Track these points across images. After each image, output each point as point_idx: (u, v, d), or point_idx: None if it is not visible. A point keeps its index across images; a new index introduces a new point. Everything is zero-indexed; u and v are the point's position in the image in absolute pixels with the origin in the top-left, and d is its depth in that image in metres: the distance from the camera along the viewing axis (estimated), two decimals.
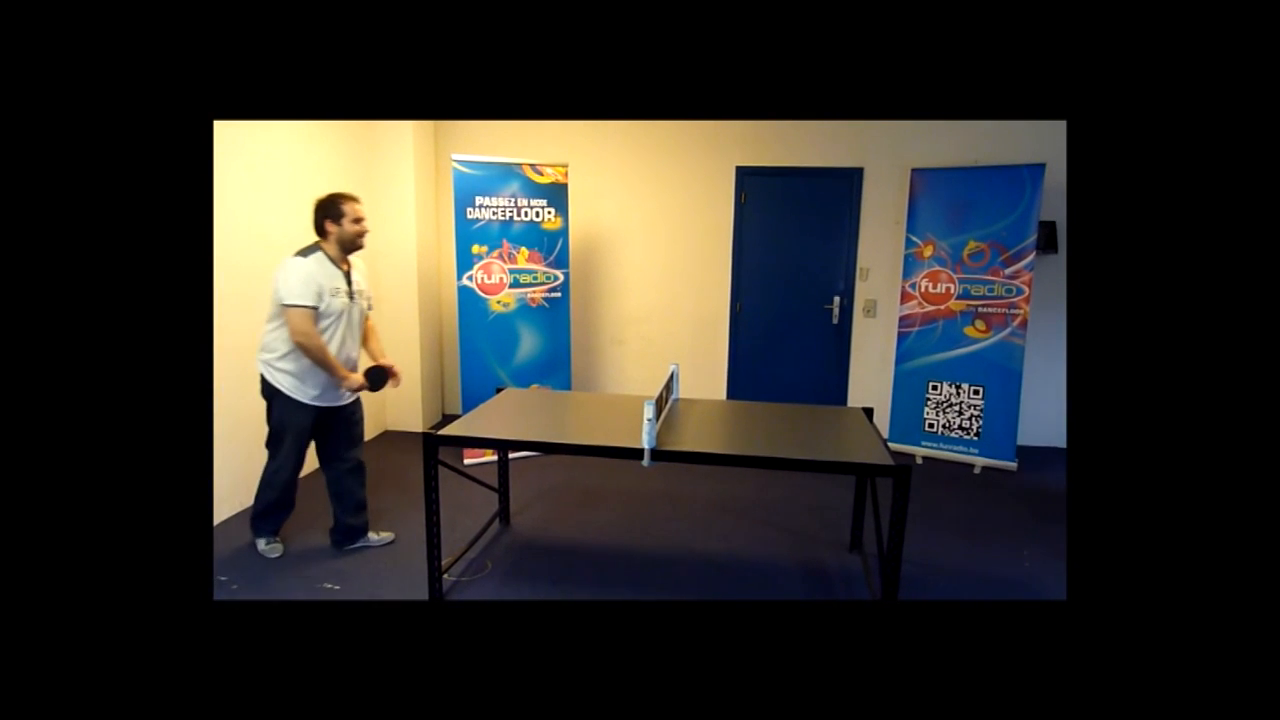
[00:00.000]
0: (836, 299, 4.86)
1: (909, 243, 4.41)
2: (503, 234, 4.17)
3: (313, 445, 2.96)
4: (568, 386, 4.51)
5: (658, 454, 2.33)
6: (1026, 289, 4.06)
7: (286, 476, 2.86)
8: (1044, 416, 4.72)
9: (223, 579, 2.78)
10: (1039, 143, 4.37)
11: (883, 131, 4.63)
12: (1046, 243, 4.38)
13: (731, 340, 5.00)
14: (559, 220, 4.29)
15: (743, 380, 5.06)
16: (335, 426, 2.92)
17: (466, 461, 4.25)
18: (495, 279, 4.19)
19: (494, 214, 4.13)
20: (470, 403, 4.07)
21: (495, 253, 4.16)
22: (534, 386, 4.26)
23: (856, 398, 4.93)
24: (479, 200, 4.09)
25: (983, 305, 4.21)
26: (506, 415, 2.86)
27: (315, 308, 2.64)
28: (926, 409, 4.46)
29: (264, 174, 3.52)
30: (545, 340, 4.38)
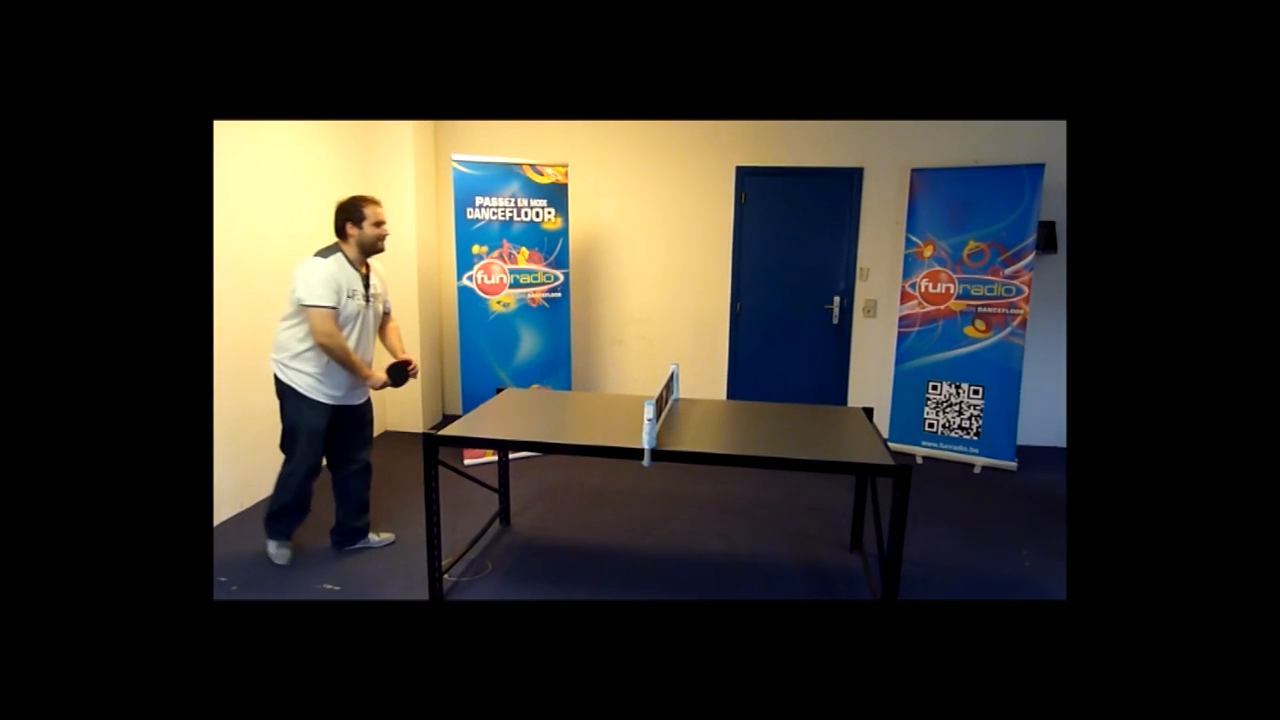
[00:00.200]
0: (836, 299, 4.86)
1: (909, 243, 4.41)
2: (503, 234, 4.17)
3: None
4: (568, 387, 4.51)
5: (658, 454, 2.33)
6: (1026, 289, 4.06)
7: (301, 478, 2.82)
8: (1044, 416, 4.72)
9: (223, 579, 2.78)
10: (1039, 143, 4.37)
11: (883, 131, 4.63)
12: (1046, 243, 4.38)
13: (732, 340, 5.00)
14: (559, 220, 4.29)
15: (743, 380, 5.06)
16: (348, 427, 2.91)
17: (467, 462, 4.25)
18: (495, 279, 4.19)
19: (494, 214, 4.13)
20: (470, 403, 4.07)
21: (495, 253, 4.16)
22: (534, 387, 4.26)
23: (856, 397, 4.93)
24: (479, 200, 4.09)
25: (983, 305, 4.21)
26: (507, 415, 2.86)
27: (335, 308, 2.64)
28: (926, 409, 4.46)
29: (264, 174, 3.52)
30: (545, 340, 4.38)
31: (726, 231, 4.88)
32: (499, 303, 4.22)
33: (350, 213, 2.71)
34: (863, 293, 4.83)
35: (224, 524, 3.31)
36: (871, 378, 4.90)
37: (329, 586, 2.76)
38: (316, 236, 3.88)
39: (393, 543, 3.15)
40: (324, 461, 2.92)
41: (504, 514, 3.41)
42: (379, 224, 2.74)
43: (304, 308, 2.62)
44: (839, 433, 2.64)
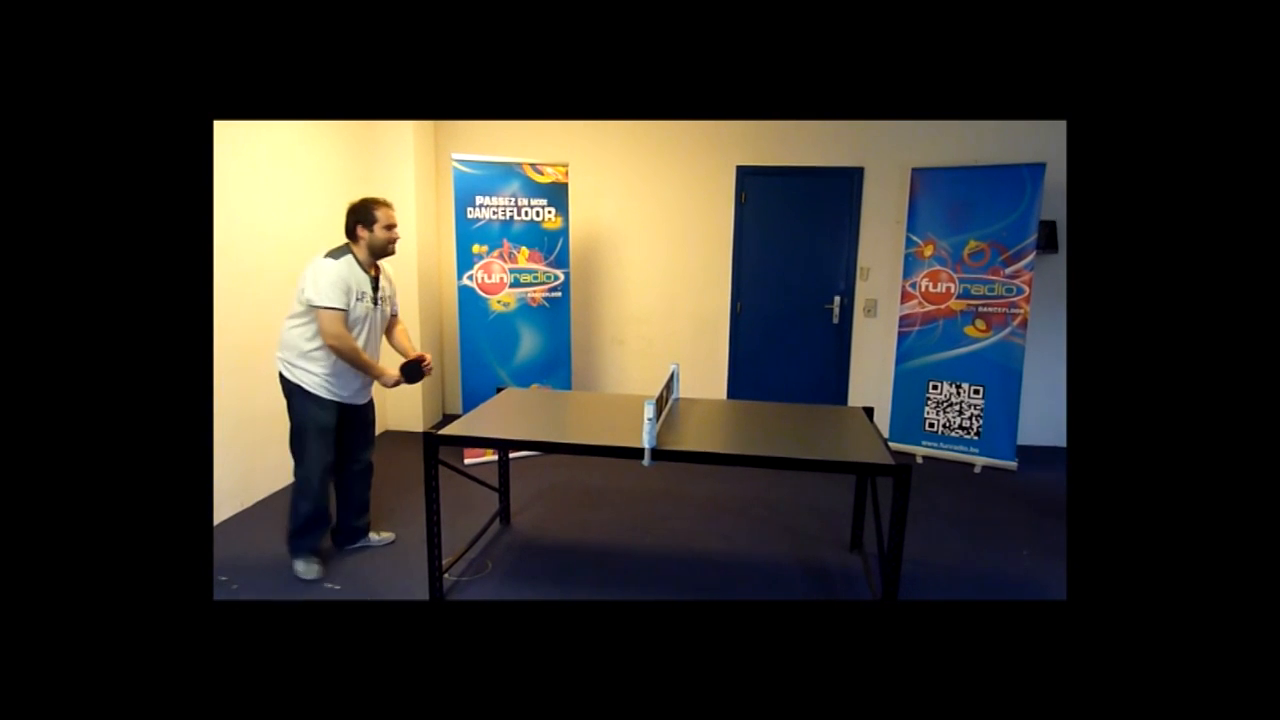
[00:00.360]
0: (837, 298, 4.86)
1: (909, 242, 4.41)
2: (503, 233, 4.17)
3: None
4: (568, 386, 4.51)
5: (658, 454, 2.33)
6: (1027, 288, 4.06)
7: (318, 482, 2.77)
8: (1044, 416, 4.72)
9: (223, 579, 2.78)
10: (1039, 142, 4.37)
11: (883, 131, 4.62)
12: (1047, 242, 4.38)
13: (732, 340, 5.00)
14: (559, 220, 4.29)
15: (743, 380, 5.05)
16: (353, 426, 2.90)
17: (467, 461, 4.25)
18: (495, 278, 4.19)
19: (494, 213, 4.13)
20: (470, 402, 4.07)
21: (495, 252, 4.16)
22: (534, 386, 4.26)
23: (857, 397, 4.93)
24: (479, 200, 4.09)
25: (983, 305, 4.21)
26: (507, 415, 2.86)
27: (345, 310, 2.63)
28: (927, 408, 4.46)
29: (264, 174, 3.52)
30: (545, 340, 4.38)
31: (727, 231, 4.88)
32: (499, 302, 4.22)
33: (361, 215, 2.69)
34: (863, 292, 4.83)
35: (224, 523, 3.31)
36: (872, 377, 4.90)
37: (330, 586, 2.77)
38: (317, 236, 3.90)
39: (393, 542, 3.15)
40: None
41: (504, 513, 3.41)
42: (390, 227, 2.72)
43: (314, 309, 2.61)
44: (839, 432, 2.64)
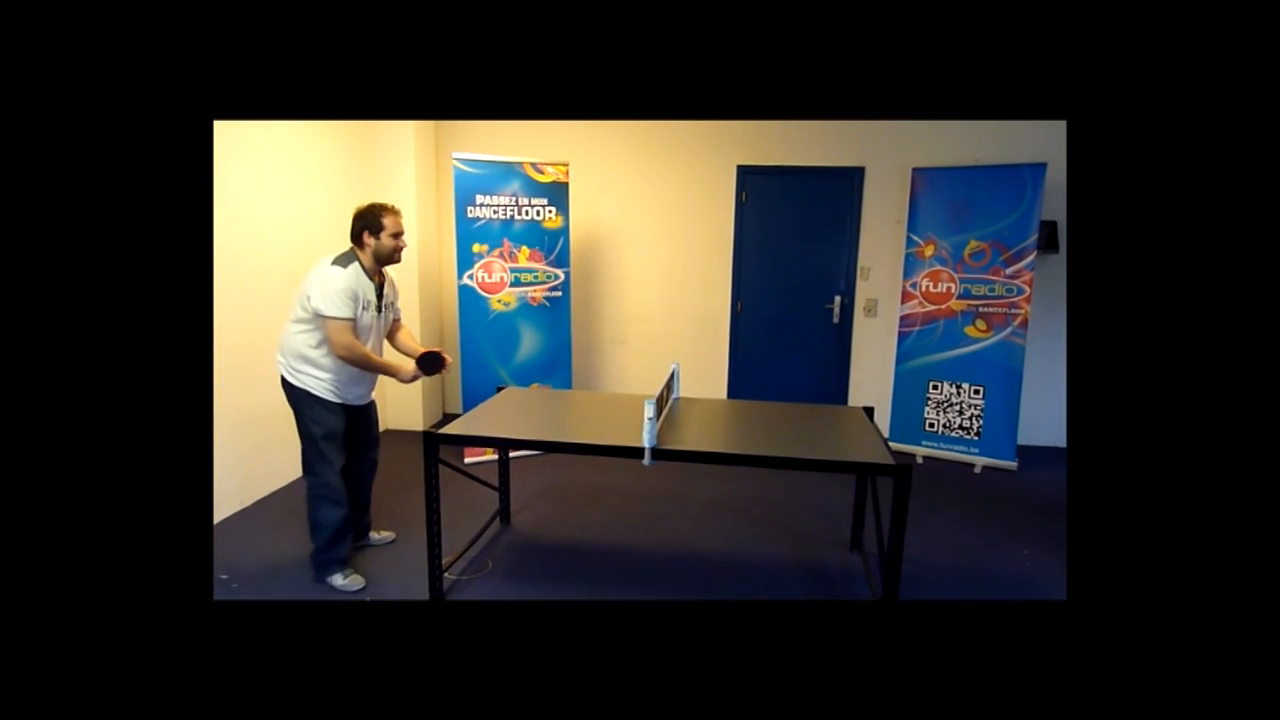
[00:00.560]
0: (837, 298, 4.85)
1: (910, 242, 4.41)
2: (503, 233, 4.17)
3: None
4: (568, 385, 4.51)
5: (658, 453, 2.33)
6: (1027, 289, 4.06)
7: (339, 485, 2.71)
8: (1044, 416, 4.72)
9: (223, 578, 2.78)
10: (1040, 142, 4.37)
11: (884, 131, 4.62)
12: (1047, 242, 4.38)
13: (732, 339, 5.00)
14: (560, 219, 4.29)
15: (743, 379, 5.05)
16: (358, 427, 2.87)
17: (467, 460, 4.25)
18: (496, 278, 4.19)
19: (495, 213, 4.13)
20: (471, 402, 4.07)
21: (496, 251, 4.16)
22: (534, 385, 4.26)
23: (857, 397, 4.93)
24: (479, 199, 4.09)
25: (983, 305, 4.20)
26: (507, 414, 2.86)
27: (354, 320, 2.59)
28: (927, 408, 4.46)
29: (264, 174, 3.52)
30: (546, 339, 4.38)
31: (727, 230, 4.87)
32: (499, 301, 4.22)
33: (369, 221, 2.63)
34: (863, 292, 4.83)
35: (224, 523, 3.31)
36: (872, 377, 4.90)
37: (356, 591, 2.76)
38: (317, 236, 3.90)
39: (393, 541, 3.15)
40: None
41: (504, 513, 3.41)
42: (397, 235, 2.67)
43: (322, 318, 2.55)
44: (839, 432, 2.64)
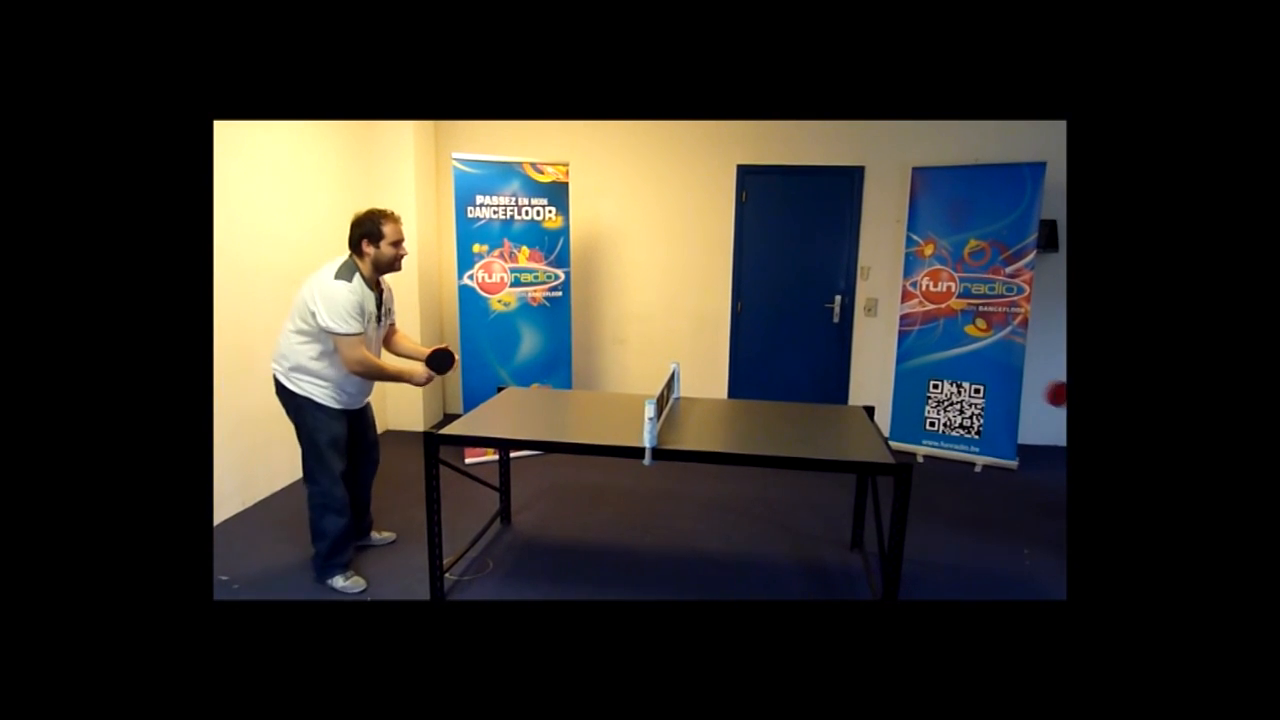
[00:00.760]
0: (837, 298, 4.85)
1: (910, 241, 4.41)
2: (503, 233, 4.17)
3: None
4: (569, 385, 4.51)
5: (659, 453, 2.34)
6: (1027, 288, 4.06)
7: (341, 493, 2.68)
8: (1044, 415, 4.71)
9: (223, 578, 2.78)
10: (1040, 141, 4.37)
11: (884, 130, 4.62)
12: (1047, 241, 4.38)
13: (732, 339, 5.00)
14: (560, 219, 4.29)
15: (744, 379, 5.05)
16: (356, 430, 2.86)
17: (467, 461, 4.25)
18: (496, 278, 4.19)
19: (495, 213, 4.13)
20: (471, 402, 4.07)
21: (496, 252, 4.16)
22: (535, 385, 4.26)
23: (857, 396, 4.93)
24: (479, 199, 4.09)
25: (983, 304, 4.20)
26: (507, 414, 2.86)
27: (364, 333, 2.56)
28: (927, 408, 4.46)
29: (264, 174, 3.52)
30: (546, 339, 4.39)
31: (727, 230, 4.87)
32: (500, 301, 4.22)
33: (368, 228, 2.54)
34: (863, 291, 4.83)
35: (224, 524, 3.32)
36: (872, 376, 4.90)
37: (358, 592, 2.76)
38: (316, 236, 3.91)
39: (394, 541, 3.15)
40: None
41: (505, 513, 3.41)
42: (398, 243, 2.60)
43: (332, 335, 2.51)
44: (840, 431, 2.64)
